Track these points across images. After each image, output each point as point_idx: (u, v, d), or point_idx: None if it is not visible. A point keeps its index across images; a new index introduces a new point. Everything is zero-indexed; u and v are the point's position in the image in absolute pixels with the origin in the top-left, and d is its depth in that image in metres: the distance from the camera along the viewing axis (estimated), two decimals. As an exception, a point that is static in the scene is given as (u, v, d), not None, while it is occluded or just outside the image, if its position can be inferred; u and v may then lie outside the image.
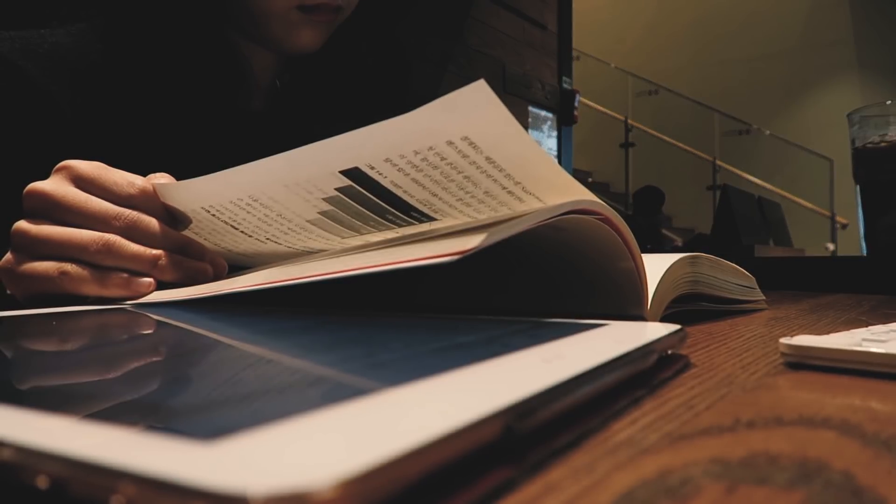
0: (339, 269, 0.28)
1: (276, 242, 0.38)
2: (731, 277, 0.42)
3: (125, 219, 0.36)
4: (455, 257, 0.24)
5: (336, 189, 0.31)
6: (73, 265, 0.35)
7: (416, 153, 0.27)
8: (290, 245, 0.38)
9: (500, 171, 0.27)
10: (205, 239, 0.40)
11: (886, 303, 0.57)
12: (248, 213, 0.35)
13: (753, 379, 0.20)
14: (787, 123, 5.52)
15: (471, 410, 0.11)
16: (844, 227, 5.00)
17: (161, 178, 0.39)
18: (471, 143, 0.26)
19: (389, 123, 0.26)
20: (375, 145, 0.27)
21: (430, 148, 0.27)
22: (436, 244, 0.26)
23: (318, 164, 0.30)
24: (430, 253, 0.25)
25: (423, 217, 0.31)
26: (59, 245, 0.35)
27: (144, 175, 0.39)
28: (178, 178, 0.39)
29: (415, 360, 0.17)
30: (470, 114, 0.25)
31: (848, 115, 0.85)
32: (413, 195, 0.30)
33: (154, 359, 0.19)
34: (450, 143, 0.26)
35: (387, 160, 0.28)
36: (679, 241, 4.73)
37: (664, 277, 0.32)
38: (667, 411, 0.16)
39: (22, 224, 0.36)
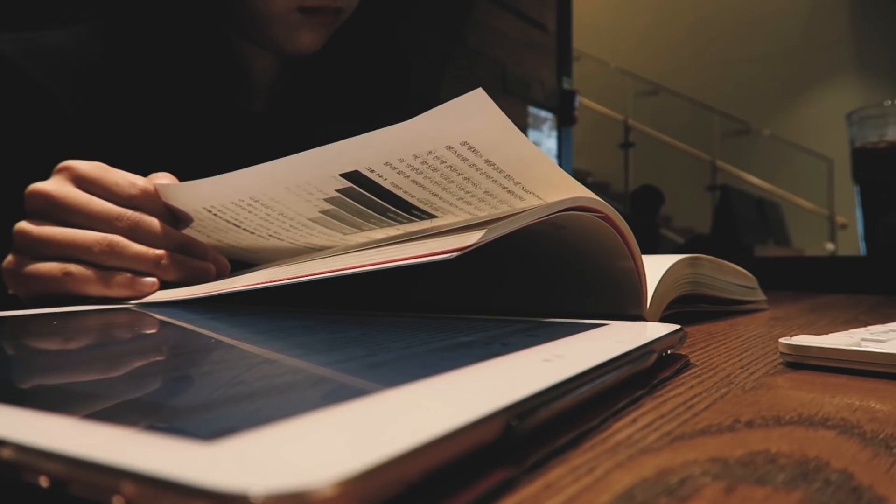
0: (339, 267, 0.28)
1: (278, 239, 0.38)
2: (733, 278, 0.42)
3: (127, 219, 0.36)
4: (455, 254, 0.24)
5: (337, 190, 0.31)
6: (77, 265, 0.35)
7: (416, 157, 0.27)
8: (292, 241, 0.38)
9: (500, 172, 0.27)
10: (207, 236, 0.40)
11: (885, 303, 0.57)
12: (249, 212, 0.35)
13: (753, 379, 0.20)
14: (786, 124, 5.52)
15: (471, 410, 0.11)
16: (844, 227, 4.99)
17: (163, 178, 0.39)
18: (470, 148, 0.26)
19: (389, 130, 0.26)
20: (375, 150, 0.27)
21: (430, 152, 0.27)
22: (436, 241, 0.26)
23: (319, 167, 0.30)
24: (430, 250, 0.25)
25: (424, 215, 0.32)
26: (62, 246, 0.35)
27: (145, 175, 0.39)
28: (179, 179, 0.39)
29: (415, 360, 0.17)
30: (468, 120, 0.25)
31: (847, 116, 0.85)
32: (413, 195, 0.30)
33: (156, 358, 0.19)
34: (449, 147, 0.26)
35: (386, 164, 0.28)
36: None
37: (664, 278, 0.32)
38: (666, 411, 0.16)
39: (24, 225, 0.36)
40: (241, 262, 0.44)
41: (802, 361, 0.22)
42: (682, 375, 0.21)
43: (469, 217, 0.31)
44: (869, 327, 0.27)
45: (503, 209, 0.30)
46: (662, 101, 5.80)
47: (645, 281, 0.30)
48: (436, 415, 0.11)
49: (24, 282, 0.36)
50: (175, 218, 0.39)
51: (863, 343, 0.22)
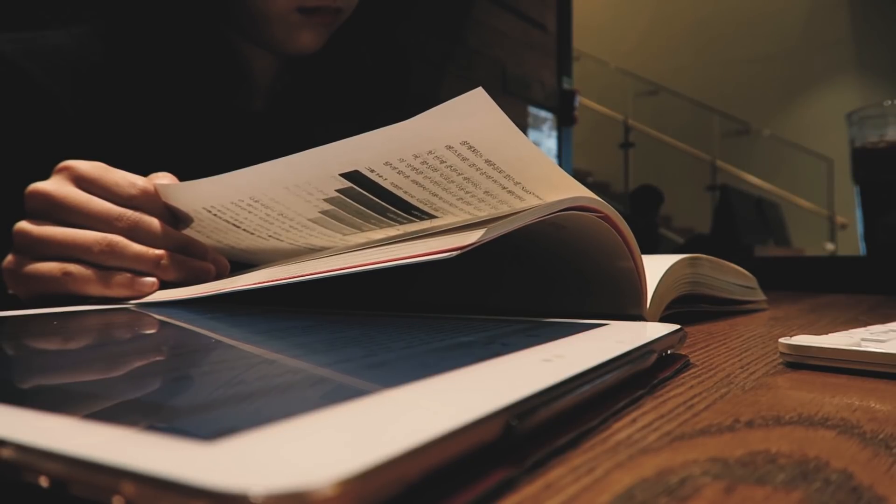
0: (338, 267, 0.28)
1: (278, 239, 0.38)
2: (733, 278, 0.42)
3: (127, 219, 0.36)
4: (454, 253, 0.24)
5: (336, 190, 0.31)
6: (77, 265, 0.35)
7: (416, 157, 0.27)
8: (292, 242, 0.38)
9: (500, 172, 0.27)
10: (207, 237, 0.40)
11: (885, 303, 0.57)
12: (249, 212, 0.35)
13: (753, 379, 0.20)
14: (786, 124, 5.52)
15: (471, 410, 0.11)
16: (844, 227, 4.99)
17: (163, 178, 0.39)
18: (470, 147, 0.26)
19: (389, 130, 0.26)
20: (375, 150, 0.27)
21: (430, 152, 0.27)
22: (435, 240, 0.26)
23: (319, 167, 0.30)
24: (429, 249, 0.25)
25: (424, 215, 0.32)
26: (62, 245, 0.35)
27: (145, 175, 0.39)
28: (179, 179, 0.39)
29: (415, 360, 0.17)
30: (468, 119, 0.25)
31: (847, 116, 0.85)
32: (413, 195, 0.30)
33: (156, 358, 0.19)
34: (449, 147, 0.26)
35: (386, 163, 0.28)
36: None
37: (664, 278, 0.32)
38: (666, 411, 0.16)
39: (24, 225, 0.36)
40: (241, 263, 0.44)
41: (802, 361, 0.22)
42: (682, 375, 0.21)
43: (469, 217, 0.31)
44: (869, 327, 0.27)
45: (503, 209, 0.30)
46: (662, 101, 5.80)
47: (645, 281, 0.30)
48: (436, 415, 0.11)
49: (24, 282, 0.36)
50: (175, 218, 0.39)
51: (863, 343, 0.22)
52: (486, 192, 0.29)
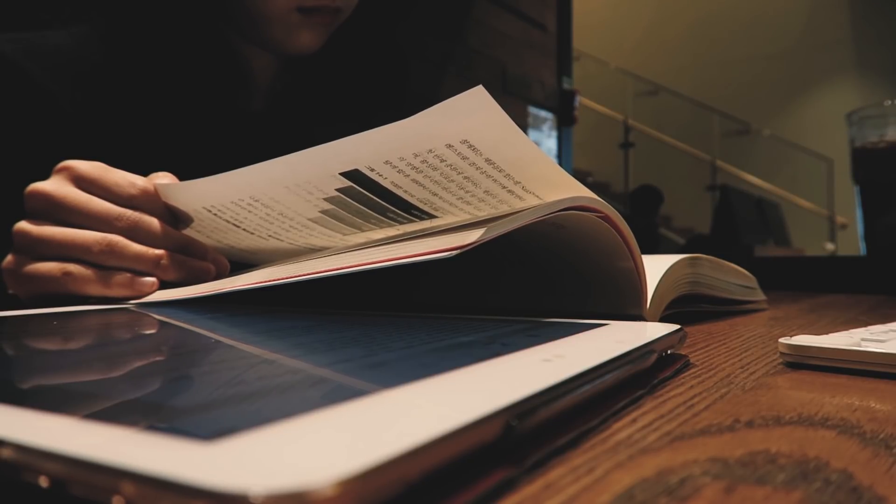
0: (338, 266, 0.28)
1: (277, 239, 0.38)
2: (732, 278, 0.42)
3: (127, 219, 0.36)
4: (454, 252, 0.24)
5: (336, 189, 0.31)
6: (77, 265, 0.35)
7: (416, 156, 0.27)
8: (292, 242, 0.38)
9: (500, 171, 0.27)
10: (207, 236, 0.40)
11: (885, 303, 0.57)
12: (249, 212, 0.35)
13: (753, 379, 0.20)
14: (786, 124, 5.52)
15: (471, 410, 0.11)
16: (844, 227, 4.99)
17: (163, 178, 0.39)
18: (470, 146, 0.26)
19: (389, 128, 0.26)
20: (375, 149, 0.27)
21: (430, 151, 0.27)
22: (435, 240, 0.26)
23: (319, 166, 0.30)
24: (429, 248, 0.25)
25: (424, 215, 0.32)
26: (62, 245, 0.35)
27: (145, 175, 0.39)
28: (179, 179, 0.39)
29: (415, 360, 0.17)
30: (468, 118, 0.25)
31: (847, 116, 0.85)
32: (413, 195, 0.30)
33: (156, 358, 0.19)
34: (449, 146, 0.26)
35: (386, 162, 0.28)
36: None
37: (664, 278, 0.32)
38: (666, 411, 0.16)
39: (23, 225, 0.36)
40: (241, 263, 0.44)
41: (802, 361, 0.22)
42: (682, 375, 0.21)
43: (469, 217, 0.31)
44: (869, 327, 0.27)
45: (503, 209, 0.30)
46: (662, 101, 5.80)
47: (645, 281, 0.30)
48: (436, 415, 0.11)
49: (23, 282, 0.36)
50: (175, 218, 0.39)
51: (863, 343, 0.22)
52: (485, 192, 0.29)
